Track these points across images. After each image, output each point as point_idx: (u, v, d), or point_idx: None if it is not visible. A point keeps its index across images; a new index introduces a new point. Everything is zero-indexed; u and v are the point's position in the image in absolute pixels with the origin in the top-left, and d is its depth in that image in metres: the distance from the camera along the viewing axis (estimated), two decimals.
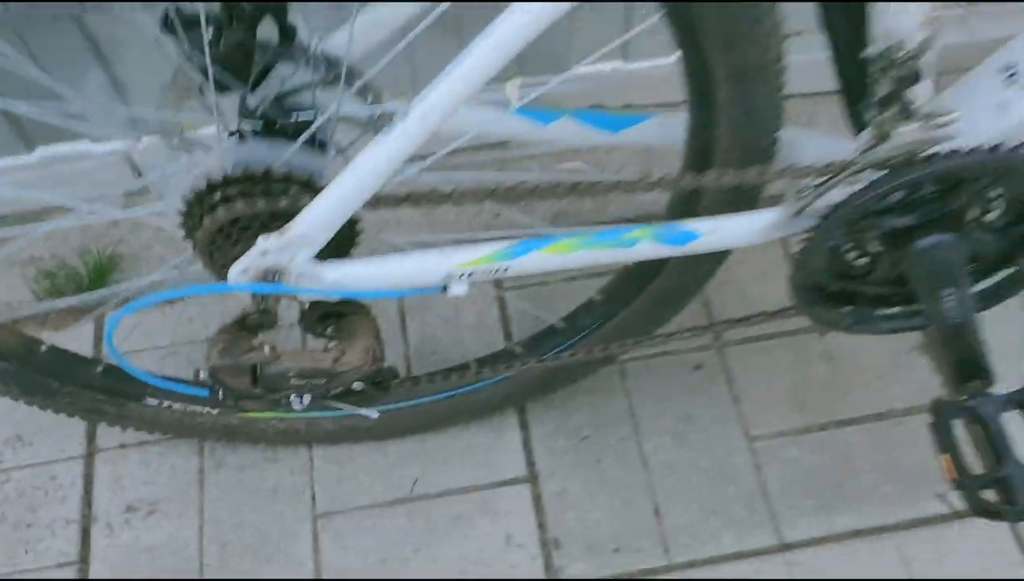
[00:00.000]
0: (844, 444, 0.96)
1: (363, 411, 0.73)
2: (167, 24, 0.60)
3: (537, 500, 0.94)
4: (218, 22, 0.61)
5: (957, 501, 0.80)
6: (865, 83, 0.59)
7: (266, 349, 0.65)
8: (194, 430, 0.94)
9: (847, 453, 0.95)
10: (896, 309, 0.76)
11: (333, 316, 0.69)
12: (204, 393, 0.71)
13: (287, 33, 0.63)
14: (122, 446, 0.99)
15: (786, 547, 0.90)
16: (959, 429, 0.75)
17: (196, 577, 0.91)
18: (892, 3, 0.54)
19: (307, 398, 0.69)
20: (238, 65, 0.62)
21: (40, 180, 1.07)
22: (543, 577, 0.90)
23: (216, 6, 0.61)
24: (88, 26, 0.94)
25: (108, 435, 0.99)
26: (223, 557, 0.92)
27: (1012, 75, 0.63)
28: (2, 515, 0.96)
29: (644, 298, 0.80)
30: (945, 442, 0.76)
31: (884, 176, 0.61)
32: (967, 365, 0.76)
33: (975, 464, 0.74)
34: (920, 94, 0.59)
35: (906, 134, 0.59)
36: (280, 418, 0.94)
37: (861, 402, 0.98)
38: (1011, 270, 0.72)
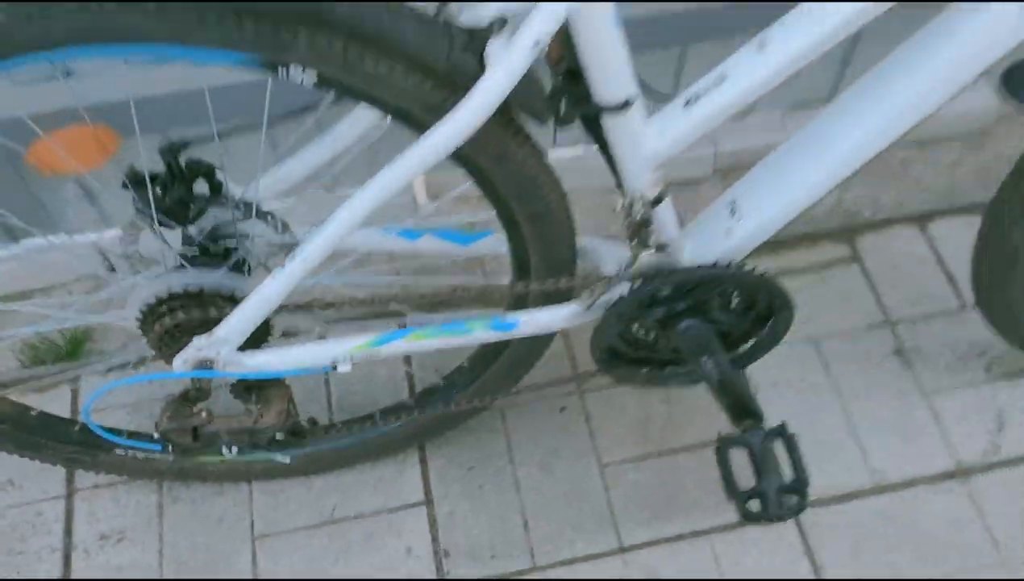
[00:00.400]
0: (676, 467, 1.21)
1: (277, 456, 0.97)
2: (125, 184, 0.85)
3: (432, 520, 1.18)
4: (163, 181, 0.85)
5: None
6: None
7: (203, 414, 0.90)
8: (154, 472, 1.18)
9: (678, 474, 1.20)
10: (679, 369, 1.02)
11: (255, 387, 0.94)
12: (159, 448, 0.95)
13: (215, 187, 0.88)
14: (95, 486, 1.22)
15: (624, 550, 1.15)
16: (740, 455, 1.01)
17: None
18: (632, 170, 0.80)
19: (235, 449, 0.93)
20: (179, 211, 0.86)
21: (26, 267, 1.30)
22: (436, 578, 1.14)
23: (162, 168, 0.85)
24: None
25: (84, 478, 1.22)
26: (179, 573, 1.16)
27: (733, 210, 0.90)
28: None
29: (499, 364, 1.04)
30: (724, 467, 1.01)
31: (639, 285, 0.87)
32: (739, 408, 1.02)
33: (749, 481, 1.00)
34: (662, 226, 0.85)
35: (647, 258, 0.84)
36: (223, 461, 1.17)
37: (691, 434, 1.23)
38: (755, 340, 0.98)
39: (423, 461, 1.23)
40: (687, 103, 0.77)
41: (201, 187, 0.86)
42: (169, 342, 0.87)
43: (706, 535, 1.16)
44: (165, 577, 1.15)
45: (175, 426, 0.89)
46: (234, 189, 0.87)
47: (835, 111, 0.83)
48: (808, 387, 1.26)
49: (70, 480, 1.23)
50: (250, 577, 1.15)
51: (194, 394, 0.89)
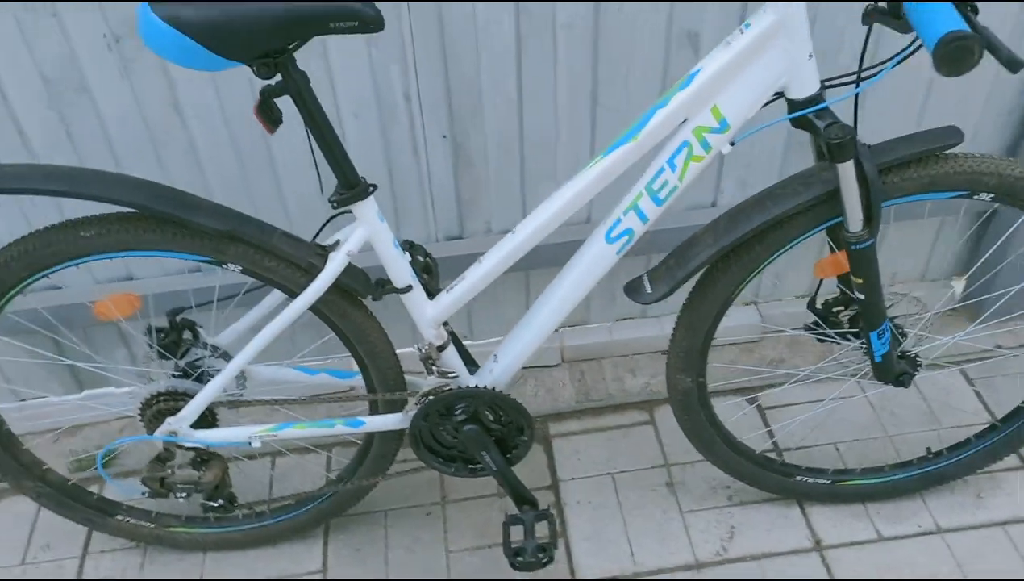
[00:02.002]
0: (498, 554, 1.72)
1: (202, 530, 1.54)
2: (147, 331, 1.49)
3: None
4: (163, 332, 1.49)
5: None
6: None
7: (168, 470, 1.48)
8: (141, 537, 1.73)
9: (497, 557, 1.71)
10: (477, 465, 1.57)
11: (203, 459, 1.52)
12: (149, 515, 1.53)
13: (196, 334, 1.52)
14: (101, 551, 1.77)
15: None
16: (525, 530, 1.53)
17: None
18: (422, 327, 1.42)
19: (190, 496, 1.51)
20: (173, 349, 1.49)
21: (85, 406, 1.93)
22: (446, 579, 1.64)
23: (164, 325, 1.50)
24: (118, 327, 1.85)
25: (94, 543, 1.77)
26: None
27: (496, 358, 1.50)
28: None
29: (369, 458, 1.61)
30: (505, 533, 1.54)
31: (428, 401, 1.46)
32: (517, 494, 1.57)
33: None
34: (448, 363, 1.46)
35: (431, 381, 1.45)
36: (189, 533, 1.73)
37: None
38: (517, 444, 1.54)
39: (325, 543, 1.76)
40: (450, 289, 1.40)
41: (187, 335, 1.51)
42: (154, 421, 1.47)
43: None
44: None
45: (151, 476, 1.48)
46: (204, 336, 1.51)
47: (538, 301, 1.45)
48: (602, 504, 1.79)
49: (85, 545, 1.78)
50: None
51: (165, 455, 1.49)
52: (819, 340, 1.55)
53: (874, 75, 1.20)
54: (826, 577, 1.63)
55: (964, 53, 0.86)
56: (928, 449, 1.73)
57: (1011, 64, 0.91)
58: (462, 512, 1.80)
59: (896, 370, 1.48)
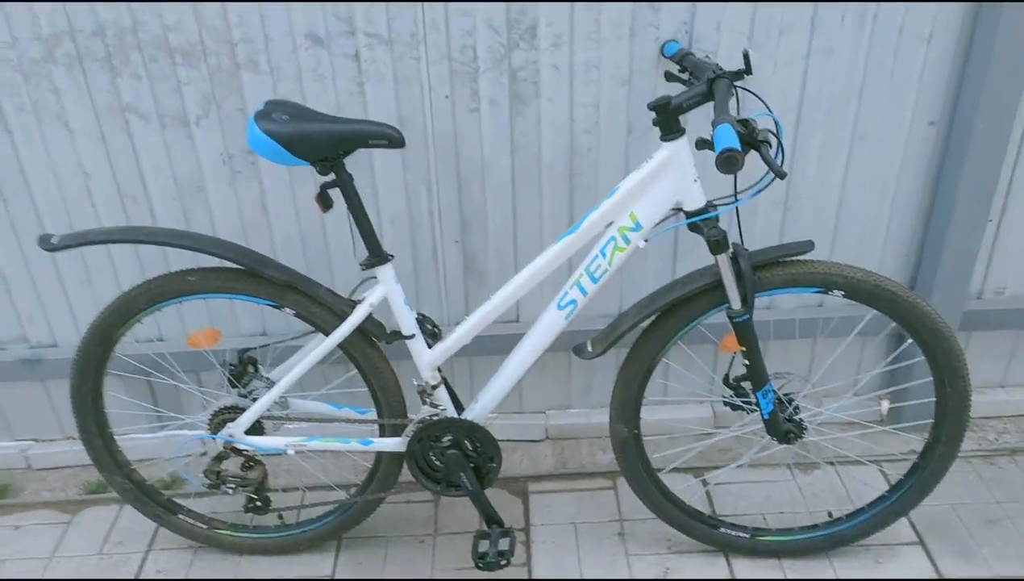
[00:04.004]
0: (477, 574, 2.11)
1: (242, 535, 2.01)
2: (222, 365, 2.02)
3: None
4: (232, 368, 2.01)
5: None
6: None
7: (222, 465, 1.97)
8: (197, 538, 2.19)
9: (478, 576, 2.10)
10: (458, 486, 2.00)
11: (250, 463, 2.01)
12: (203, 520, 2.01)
13: (257, 369, 2.03)
14: (161, 549, 2.23)
15: None
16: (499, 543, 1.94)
17: None
18: (420, 369, 1.91)
19: (236, 490, 1.98)
20: (240, 379, 2.01)
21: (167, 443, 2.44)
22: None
23: (234, 362, 2.02)
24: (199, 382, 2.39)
25: (158, 541, 2.23)
26: None
27: (476, 399, 1.97)
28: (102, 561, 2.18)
29: (378, 476, 2.06)
30: (474, 544, 1.95)
31: (421, 426, 1.93)
32: (487, 514, 1.99)
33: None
34: (439, 399, 1.94)
35: (423, 410, 1.92)
36: (232, 536, 2.18)
37: None
38: (493, 464, 1.98)
39: (336, 556, 2.19)
40: (443, 341, 1.90)
41: (250, 369, 2.03)
42: (217, 428, 1.97)
43: None
44: None
45: (210, 469, 1.97)
46: (262, 370, 2.03)
47: (508, 357, 1.93)
48: (563, 544, 2.17)
49: (149, 544, 2.24)
50: None
51: (222, 455, 1.98)
52: (732, 409, 1.98)
53: (748, 194, 1.70)
54: None
55: (732, 161, 1.36)
56: (830, 513, 2.10)
57: (778, 174, 1.41)
58: (449, 542, 2.20)
59: (783, 428, 1.89)
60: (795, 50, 1.99)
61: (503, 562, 1.92)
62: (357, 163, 2.07)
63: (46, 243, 1.79)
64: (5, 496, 2.44)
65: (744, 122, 1.49)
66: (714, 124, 1.42)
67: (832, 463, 2.36)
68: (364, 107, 2.02)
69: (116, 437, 2.08)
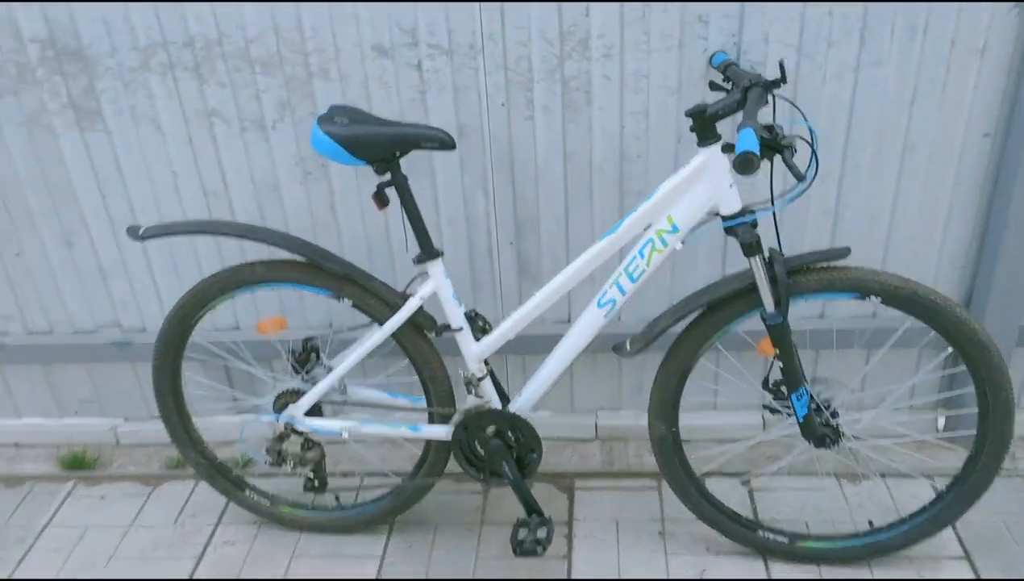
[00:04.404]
0: (514, 562, 2.19)
1: (302, 512, 2.15)
2: (289, 354, 2.17)
3: (380, 563, 2.23)
4: (296, 355, 2.16)
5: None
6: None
7: (283, 445, 2.12)
8: (261, 513, 2.35)
9: (514, 563, 2.18)
10: (500, 476, 2.10)
11: (308, 444, 2.15)
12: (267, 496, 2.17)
13: (319, 357, 2.18)
14: (227, 523, 2.39)
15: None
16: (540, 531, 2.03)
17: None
18: (467, 361, 2.02)
19: (295, 467, 2.13)
20: (302, 363, 2.16)
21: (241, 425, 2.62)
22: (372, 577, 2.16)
23: (298, 349, 2.17)
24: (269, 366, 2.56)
25: (228, 516, 2.40)
26: (258, 560, 2.26)
27: (520, 392, 2.07)
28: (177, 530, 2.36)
29: (428, 462, 2.18)
30: (513, 532, 2.04)
31: (467, 415, 2.03)
32: (527, 503, 2.08)
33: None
34: (485, 392, 2.04)
35: (469, 400, 2.03)
36: (292, 513, 2.32)
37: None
38: (534, 455, 2.07)
39: (388, 537, 2.31)
40: (489, 335, 2.00)
41: (312, 356, 2.17)
42: (280, 409, 2.12)
43: None
44: (249, 559, 2.26)
45: (272, 447, 2.12)
46: (324, 358, 2.17)
47: (551, 353, 2.01)
48: (604, 539, 2.24)
49: (219, 517, 2.41)
50: (283, 575, 2.23)
51: (283, 434, 2.13)
52: (771, 412, 2.01)
53: (784, 200, 1.74)
54: None
55: (748, 163, 1.42)
56: (870, 522, 2.10)
57: (797, 176, 1.46)
58: (495, 532, 2.30)
59: (818, 432, 1.92)
60: (844, 62, 2.02)
61: (539, 549, 2.00)
62: (418, 168, 2.20)
63: (134, 233, 1.98)
64: (94, 468, 2.66)
65: (769, 128, 1.55)
66: (738, 128, 1.49)
67: (883, 475, 2.35)
68: (425, 113, 2.15)
69: (195, 420, 2.26)
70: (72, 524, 2.43)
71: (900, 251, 2.25)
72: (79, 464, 2.66)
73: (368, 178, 2.24)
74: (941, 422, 2.47)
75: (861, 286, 1.79)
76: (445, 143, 1.80)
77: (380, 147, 1.80)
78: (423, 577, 2.16)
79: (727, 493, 2.21)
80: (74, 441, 2.75)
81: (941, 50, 1.99)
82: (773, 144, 1.52)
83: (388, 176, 1.85)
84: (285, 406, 2.12)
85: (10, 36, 2.13)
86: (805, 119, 1.67)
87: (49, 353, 2.58)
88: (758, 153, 1.41)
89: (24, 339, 2.58)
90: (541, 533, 2.03)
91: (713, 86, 1.91)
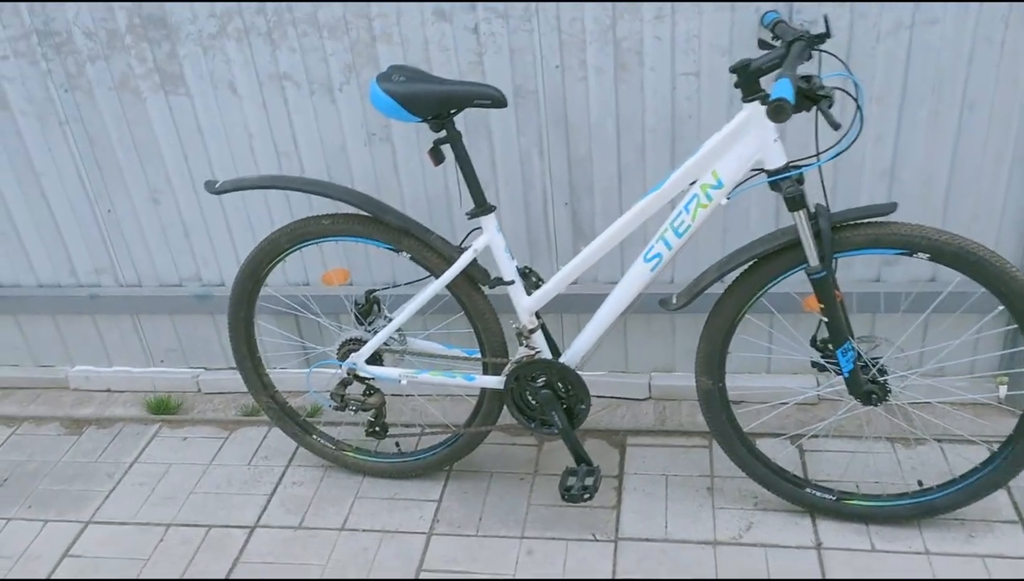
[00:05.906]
0: (564, 509, 2.27)
1: (365, 458, 2.27)
2: (355, 304, 2.29)
3: (437, 508, 2.34)
4: (359, 306, 2.28)
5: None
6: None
7: (347, 389, 2.24)
8: (326, 457, 2.48)
9: (565, 512, 2.26)
10: (550, 427, 2.17)
11: (371, 389, 2.27)
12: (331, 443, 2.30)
13: (380, 308, 2.29)
14: (297, 465, 2.54)
15: (523, 538, 2.21)
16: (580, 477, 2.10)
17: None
18: (519, 313, 2.10)
19: (357, 412, 2.25)
20: (365, 314, 2.28)
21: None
22: (424, 530, 2.27)
23: (361, 301, 2.29)
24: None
25: (298, 458, 2.55)
26: (319, 496, 2.40)
27: (570, 345, 2.14)
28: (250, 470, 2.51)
29: (481, 412, 2.27)
30: (563, 479, 2.12)
31: (518, 364, 2.12)
32: (576, 453, 2.15)
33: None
34: (537, 343, 2.12)
35: (520, 351, 2.11)
36: (356, 458, 2.45)
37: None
38: (583, 406, 2.14)
39: (445, 484, 2.41)
40: (541, 288, 2.08)
41: (375, 309, 2.29)
42: (344, 357, 2.25)
43: (563, 540, 2.19)
44: (318, 496, 2.40)
45: (336, 392, 2.25)
46: (385, 310, 2.29)
47: (600, 307, 2.07)
48: (652, 493, 2.30)
49: (289, 460, 2.56)
50: (343, 522, 2.36)
51: (347, 380, 2.25)
52: (819, 370, 2.03)
53: (828, 155, 1.76)
54: (819, 577, 2.02)
55: (781, 110, 1.44)
56: (919, 482, 2.10)
57: (832, 125, 1.48)
58: (546, 482, 2.38)
59: (864, 388, 1.93)
60: (898, 20, 2.00)
61: (587, 495, 2.07)
62: (476, 130, 2.28)
63: (211, 187, 2.12)
64: (177, 413, 2.85)
65: (807, 78, 1.57)
66: (776, 77, 1.52)
67: (938, 440, 2.33)
68: (483, 75, 2.23)
69: (270, 371, 2.42)
70: (157, 461, 2.62)
71: (959, 213, 2.22)
72: (164, 409, 2.85)
73: (428, 140, 2.33)
74: (1003, 391, 2.43)
75: (908, 242, 1.79)
76: (497, 100, 1.87)
77: (434, 103, 1.89)
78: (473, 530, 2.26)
79: (777, 452, 2.24)
80: (160, 388, 2.95)
81: (998, 7, 1.96)
82: (810, 94, 1.54)
83: (443, 133, 1.94)
84: (348, 354, 2.24)
85: (101, 3, 2.30)
86: (849, 72, 1.68)
87: (138, 304, 2.78)
88: (792, 101, 1.43)
89: (116, 291, 2.78)
90: (589, 481, 2.10)
91: (762, 44, 1.92)
